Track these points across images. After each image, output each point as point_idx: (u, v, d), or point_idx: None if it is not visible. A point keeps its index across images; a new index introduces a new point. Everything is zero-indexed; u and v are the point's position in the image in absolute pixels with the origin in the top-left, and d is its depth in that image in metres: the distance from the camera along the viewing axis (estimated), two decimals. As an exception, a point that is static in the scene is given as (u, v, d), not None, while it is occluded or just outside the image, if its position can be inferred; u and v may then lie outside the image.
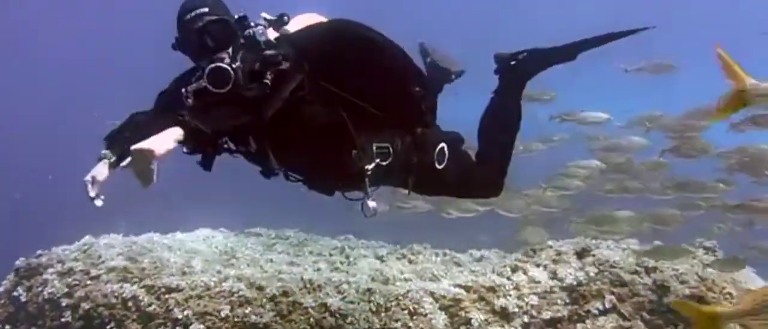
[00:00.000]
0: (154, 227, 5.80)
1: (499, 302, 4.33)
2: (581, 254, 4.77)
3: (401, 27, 3.00)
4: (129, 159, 2.24)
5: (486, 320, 4.24)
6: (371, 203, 2.72)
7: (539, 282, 4.49)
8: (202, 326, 4.05)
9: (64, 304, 4.38)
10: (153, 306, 4.20)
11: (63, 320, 4.32)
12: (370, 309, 4.28)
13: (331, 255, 5.42)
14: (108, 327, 4.18)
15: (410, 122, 2.79)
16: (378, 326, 4.18)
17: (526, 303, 4.34)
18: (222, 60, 2.32)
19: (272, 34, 2.56)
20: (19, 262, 4.90)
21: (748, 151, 5.11)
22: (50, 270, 4.64)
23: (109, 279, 4.45)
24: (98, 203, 2.33)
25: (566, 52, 3.07)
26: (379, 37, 2.63)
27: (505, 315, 4.28)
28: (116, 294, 4.27)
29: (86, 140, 3.28)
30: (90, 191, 2.32)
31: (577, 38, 3.06)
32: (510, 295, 4.40)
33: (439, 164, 2.88)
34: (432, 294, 4.38)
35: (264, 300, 4.25)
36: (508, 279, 4.57)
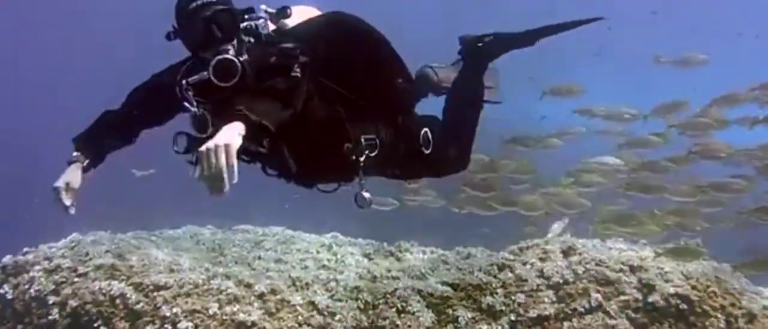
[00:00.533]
0: (140, 224, 5.77)
1: (486, 300, 4.36)
2: (567, 252, 4.81)
3: (392, 18, 3.02)
4: (197, 168, 1.82)
5: (473, 318, 4.26)
6: (366, 194, 2.72)
7: (526, 281, 4.51)
8: (190, 324, 4.04)
9: (51, 302, 4.35)
10: (141, 304, 4.18)
11: (50, 318, 4.30)
12: (358, 307, 4.31)
13: (318, 252, 5.41)
14: (95, 324, 4.16)
15: (392, 112, 2.81)
16: (366, 324, 4.20)
17: (513, 301, 4.36)
18: (227, 52, 2.24)
19: (271, 26, 2.53)
20: (6, 259, 4.86)
21: None
22: (37, 268, 4.61)
23: (96, 276, 4.43)
24: (72, 211, 2.23)
25: (528, 37, 3.18)
26: (374, 30, 2.65)
27: (492, 313, 4.31)
28: (104, 291, 4.25)
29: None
30: (64, 199, 2.24)
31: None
32: (497, 293, 4.43)
33: (426, 149, 2.91)
34: (419, 291, 4.41)
35: (252, 297, 4.26)
36: (495, 277, 4.60)
